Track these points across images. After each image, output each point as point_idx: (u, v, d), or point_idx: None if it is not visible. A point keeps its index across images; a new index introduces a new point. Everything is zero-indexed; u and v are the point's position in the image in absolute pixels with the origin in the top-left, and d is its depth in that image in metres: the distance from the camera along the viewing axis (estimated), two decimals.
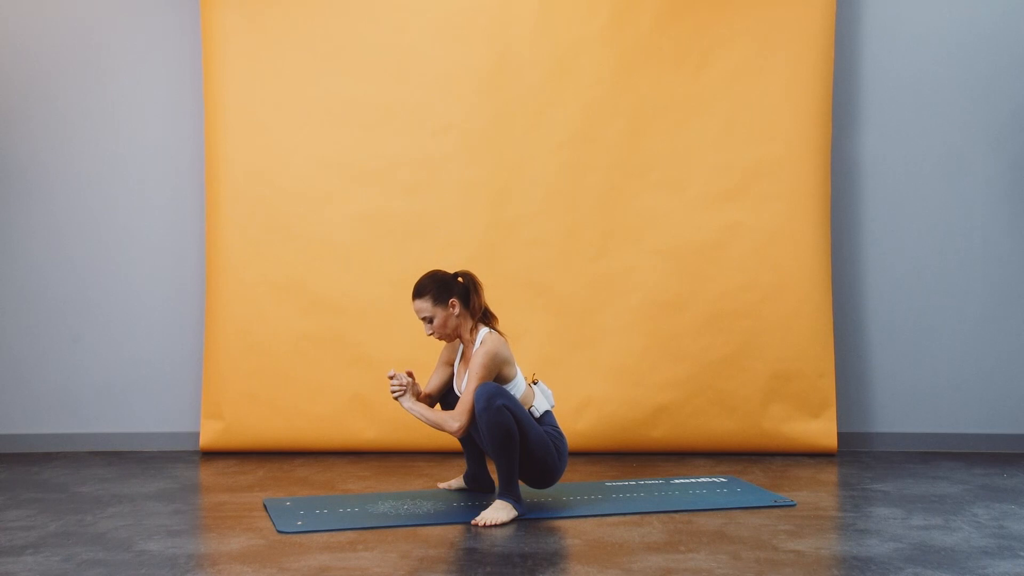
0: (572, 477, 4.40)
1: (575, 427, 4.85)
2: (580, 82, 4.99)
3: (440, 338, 3.86)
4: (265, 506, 3.90)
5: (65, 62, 5.16)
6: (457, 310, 3.82)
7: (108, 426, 5.16)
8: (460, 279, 3.88)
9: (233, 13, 5.01)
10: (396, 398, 3.81)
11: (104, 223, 5.18)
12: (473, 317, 3.85)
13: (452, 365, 4.01)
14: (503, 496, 3.68)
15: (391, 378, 3.81)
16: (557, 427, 3.85)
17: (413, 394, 3.83)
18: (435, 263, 4.04)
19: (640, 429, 4.94)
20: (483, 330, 3.82)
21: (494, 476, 3.92)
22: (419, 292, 3.83)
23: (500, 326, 3.90)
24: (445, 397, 4.04)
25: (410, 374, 3.86)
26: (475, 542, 3.40)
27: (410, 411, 3.78)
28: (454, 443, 4.60)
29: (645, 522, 3.66)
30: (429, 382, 4.03)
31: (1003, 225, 5.12)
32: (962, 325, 5.13)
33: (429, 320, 3.82)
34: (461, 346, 3.96)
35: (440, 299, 3.81)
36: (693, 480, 4.36)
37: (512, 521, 3.65)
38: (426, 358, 4.41)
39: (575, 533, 3.52)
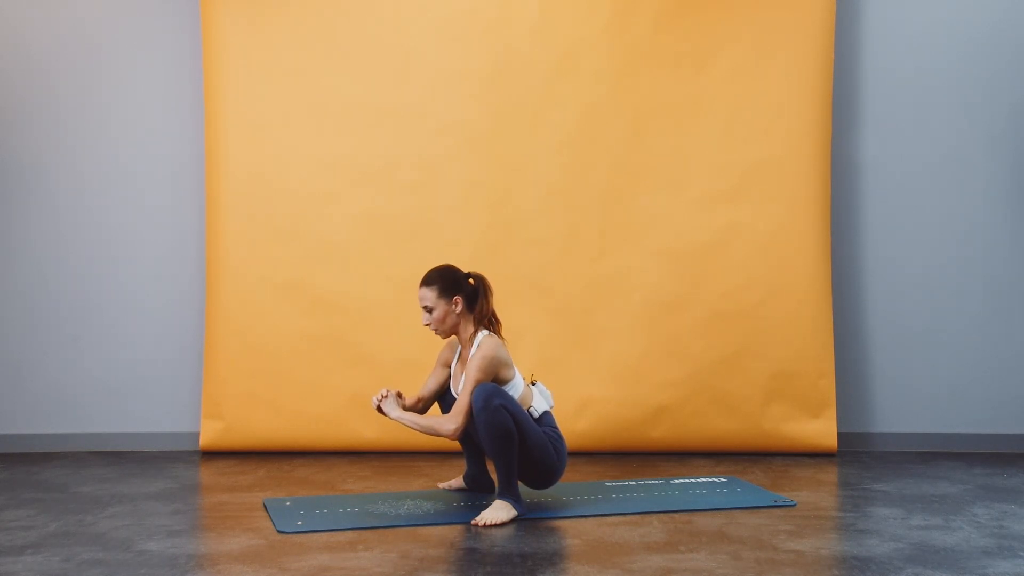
0: (572, 477, 4.40)
1: (575, 427, 4.85)
2: (580, 82, 4.98)
3: (436, 331, 3.85)
4: (265, 506, 3.90)
5: (65, 62, 5.16)
6: (459, 308, 3.82)
7: (108, 426, 5.16)
8: (471, 280, 3.88)
9: (233, 13, 5.00)
10: (379, 408, 3.76)
11: (104, 223, 5.18)
12: (477, 320, 3.85)
13: (449, 367, 4.01)
14: (503, 496, 3.68)
15: (383, 398, 3.79)
16: (556, 428, 3.84)
17: (398, 406, 3.79)
18: (435, 263, 4.03)
19: (640, 429, 4.93)
20: (482, 332, 3.82)
21: (494, 476, 3.92)
22: (427, 281, 3.83)
23: (501, 329, 3.89)
24: (442, 399, 4.04)
25: (399, 394, 3.85)
26: (475, 542, 3.40)
27: (399, 420, 3.73)
28: (454, 443, 4.59)
29: (645, 522, 3.66)
30: (426, 384, 4.03)
31: (1003, 225, 5.12)
32: (962, 325, 5.13)
33: (429, 311, 3.82)
34: (459, 347, 3.96)
35: (445, 293, 3.81)
36: (693, 480, 4.36)
37: (512, 521, 3.65)
38: (426, 359, 4.41)
39: (575, 533, 3.52)
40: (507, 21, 4.99)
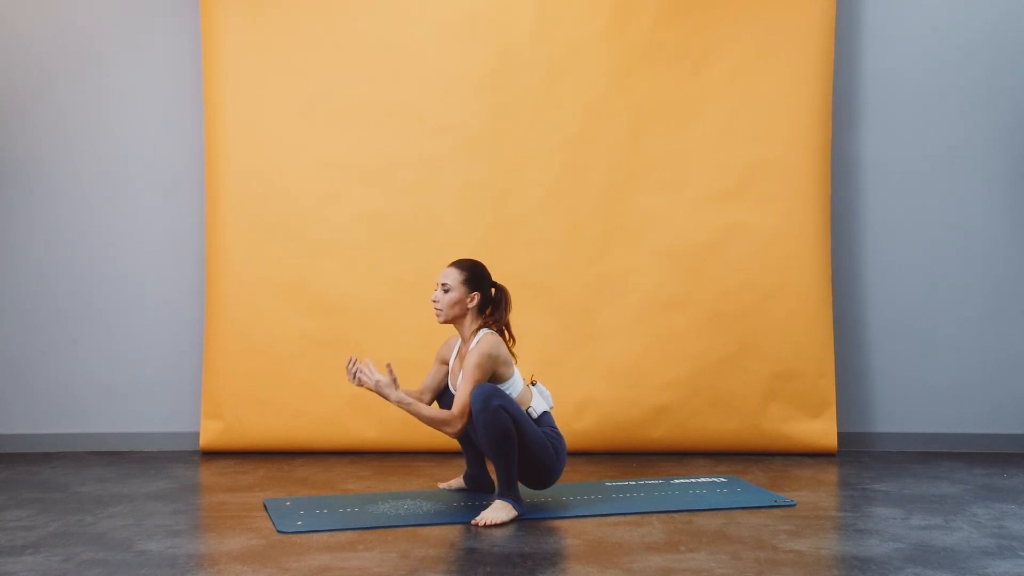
0: (572, 477, 4.40)
1: (575, 427, 4.85)
2: (580, 82, 4.98)
3: (439, 312, 3.84)
4: (265, 506, 3.90)
5: (65, 62, 5.16)
6: (473, 303, 3.84)
7: (108, 426, 5.16)
8: (494, 289, 3.90)
9: (233, 13, 5.00)
10: (359, 383, 3.69)
11: (104, 223, 5.18)
12: (484, 323, 3.85)
13: (447, 364, 4.01)
14: (503, 496, 3.68)
15: (350, 364, 3.71)
16: (555, 428, 3.84)
17: (398, 388, 3.73)
18: (435, 263, 4.05)
19: (640, 429, 4.94)
20: (483, 330, 3.82)
21: (494, 476, 3.92)
22: (458, 264, 3.88)
23: (514, 345, 3.89)
24: (441, 397, 4.04)
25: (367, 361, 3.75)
26: (475, 542, 3.40)
27: (399, 403, 3.68)
28: (454, 443, 4.60)
29: (645, 522, 3.66)
30: (424, 381, 4.04)
31: (1003, 225, 5.12)
32: (962, 325, 5.13)
33: (445, 289, 3.83)
34: (458, 344, 3.97)
35: (468, 283, 3.84)
36: (693, 480, 4.36)
37: (512, 521, 3.65)
38: (426, 359, 4.41)
39: (575, 533, 3.52)
40: (507, 21, 4.99)
